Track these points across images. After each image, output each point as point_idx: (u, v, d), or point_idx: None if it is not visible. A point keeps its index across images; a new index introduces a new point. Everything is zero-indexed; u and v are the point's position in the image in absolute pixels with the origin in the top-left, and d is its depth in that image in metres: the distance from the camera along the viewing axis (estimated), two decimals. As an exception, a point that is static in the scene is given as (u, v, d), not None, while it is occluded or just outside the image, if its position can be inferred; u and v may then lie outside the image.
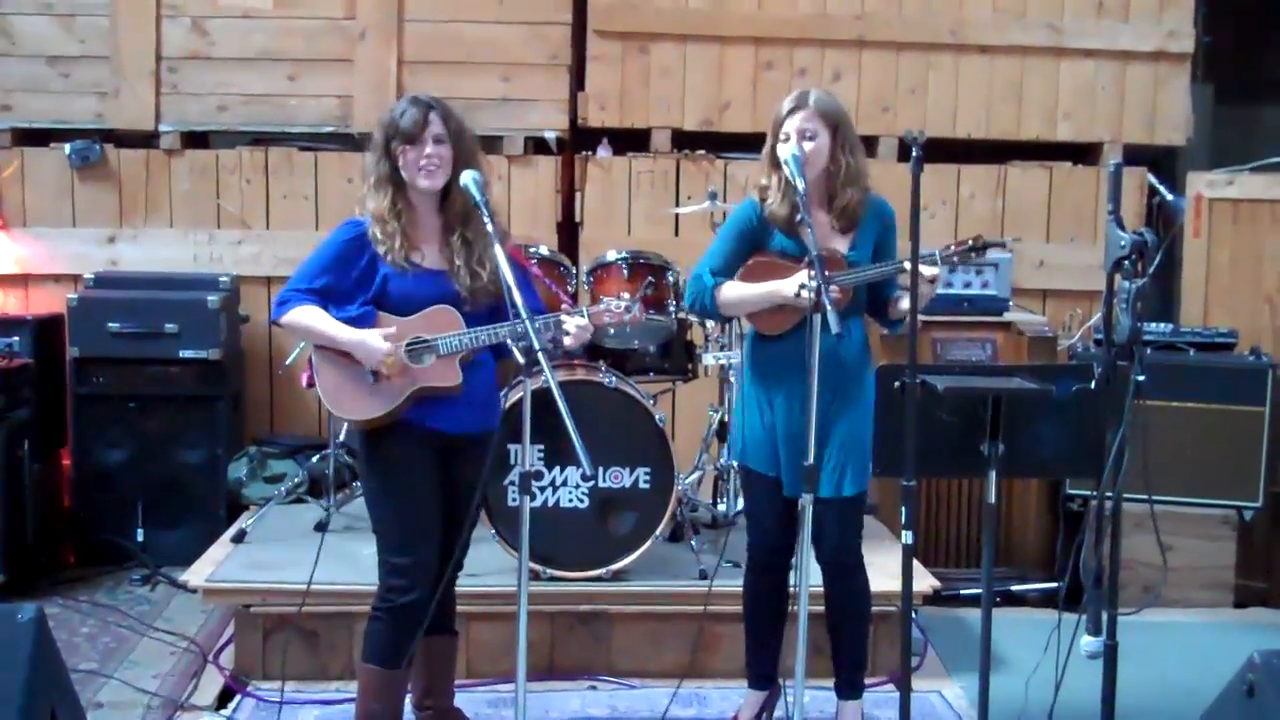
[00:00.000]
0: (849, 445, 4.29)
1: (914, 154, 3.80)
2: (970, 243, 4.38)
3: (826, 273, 4.10)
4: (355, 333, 4.10)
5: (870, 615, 4.68)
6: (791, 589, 4.30)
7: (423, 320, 4.14)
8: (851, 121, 4.43)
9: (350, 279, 4.17)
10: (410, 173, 4.13)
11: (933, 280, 4.27)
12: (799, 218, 4.22)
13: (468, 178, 4.07)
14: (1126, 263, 3.74)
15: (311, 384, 4.24)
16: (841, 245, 4.40)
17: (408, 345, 4.11)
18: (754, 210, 4.47)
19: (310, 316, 4.13)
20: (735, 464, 5.81)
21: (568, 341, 4.12)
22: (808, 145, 4.29)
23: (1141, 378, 3.73)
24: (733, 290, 4.43)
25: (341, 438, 5.93)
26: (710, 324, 5.85)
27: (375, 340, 4.08)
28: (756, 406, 4.48)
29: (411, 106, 4.15)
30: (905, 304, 4.25)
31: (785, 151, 4.25)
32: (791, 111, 4.32)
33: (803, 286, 4.14)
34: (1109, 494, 3.79)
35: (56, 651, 3.56)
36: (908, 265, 4.09)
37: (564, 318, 4.14)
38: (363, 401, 4.14)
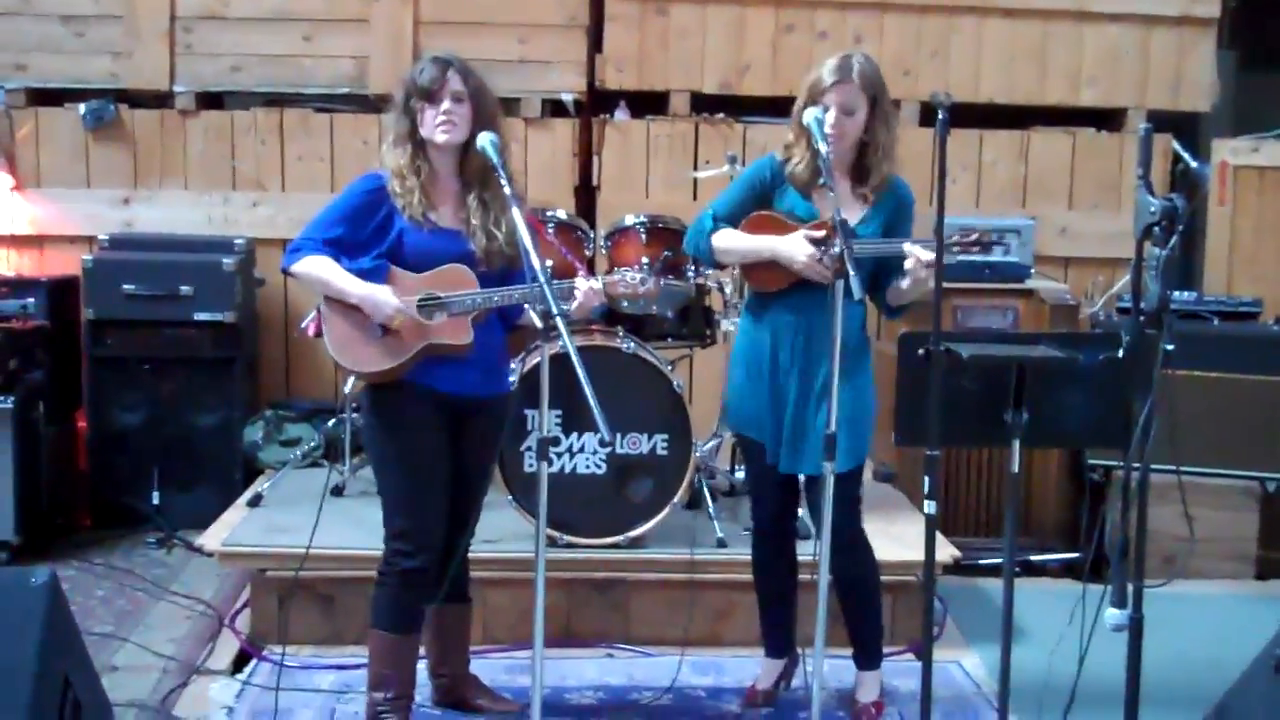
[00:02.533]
0: (843, 421, 4.19)
1: (939, 117, 3.73)
2: (975, 236, 4.28)
3: (831, 239, 4.08)
4: (366, 286, 4.07)
5: (879, 587, 4.62)
6: (810, 558, 4.26)
7: (436, 277, 4.11)
8: (887, 90, 4.35)
9: (365, 232, 4.14)
10: (428, 129, 4.11)
11: (929, 265, 4.11)
12: (822, 181, 4.17)
13: (484, 139, 4.03)
14: (1156, 229, 3.67)
15: (319, 333, 4.21)
16: (854, 217, 4.31)
17: (419, 301, 4.07)
18: (771, 166, 4.42)
19: (321, 267, 4.10)
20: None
21: (574, 306, 4.09)
22: (846, 120, 4.23)
23: (1170, 346, 3.67)
24: (728, 238, 4.39)
25: (349, 389, 5.87)
26: (729, 289, 5.80)
27: (385, 295, 4.06)
28: (745, 369, 4.45)
29: (431, 64, 4.13)
30: (905, 284, 4.20)
31: (808, 116, 4.18)
32: (836, 84, 4.21)
33: (825, 252, 4.10)
34: (1135, 465, 3.74)
35: (70, 616, 3.55)
36: (906, 247, 4.07)
37: (577, 281, 4.12)
38: (371, 354, 4.11)
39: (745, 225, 4.39)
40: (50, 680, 3.30)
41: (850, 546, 4.43)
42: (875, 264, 4.34)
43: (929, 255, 4.05)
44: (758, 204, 4.41)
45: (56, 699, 3.32)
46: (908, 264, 4.12)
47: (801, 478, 4.45)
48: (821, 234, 4.19)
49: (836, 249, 4.00)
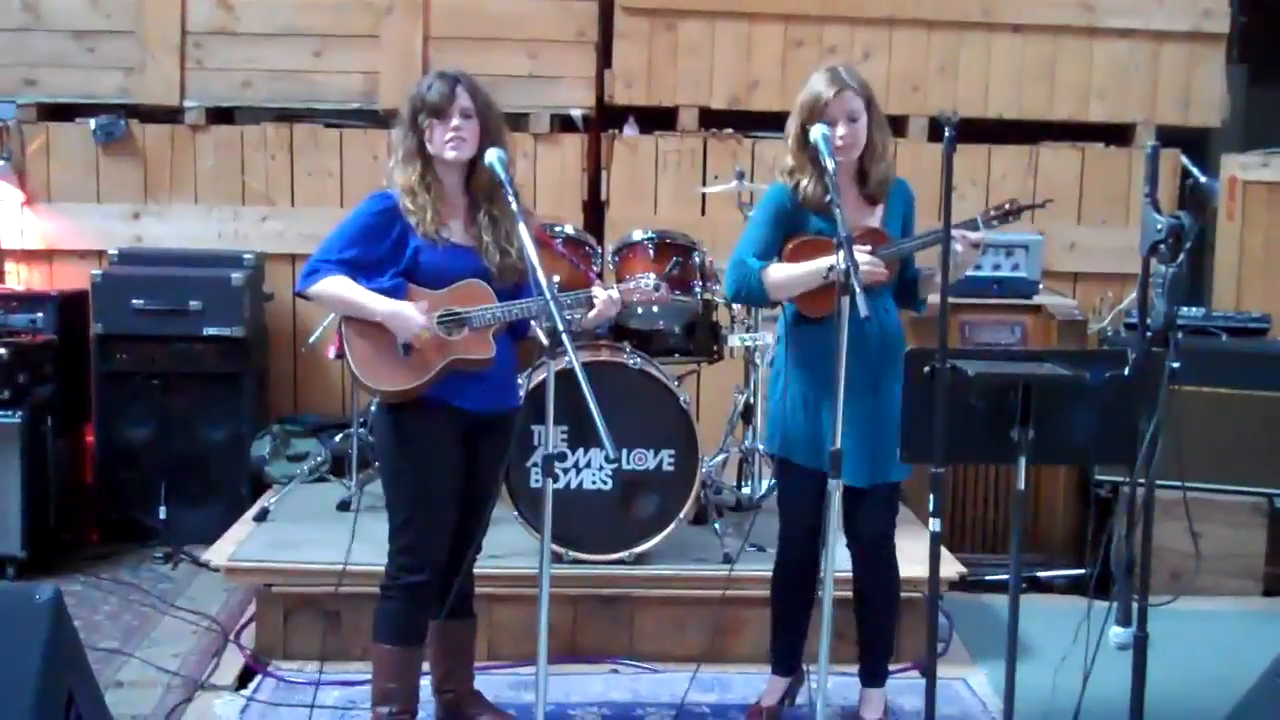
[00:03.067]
0: (896, 431, 4.19)
1: (947, 135, 3.74)
2: (1007, 205, 4.31)
3: (872, 247, 4.15)
4: (391, 303, 4.07)
5: (899, 603, 4.63)
6: (845, 573, 4.26)
7: (453, 294, 4.12)
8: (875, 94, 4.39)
9: (379, 252, 4.14)
10: (437, 146, 4.11)
11: (978, 245, 4.22)
12: (828, 198, 4.16)
13: (492, 155, 4.04)
14: (1163, 247, 3.67)
15: (340, 355, 4.22)
16: (874, 220, 4.36)
17: (439, 318, 4.08)
18: (786, 194, 4.39)
19: (342, 286, 4.10)
20: (762, 448, 5.78)
21: (592, 315, 4.12)
22: (855, 126, 4.24)
23: (1176, 364, 3.66)
24: (780, 271, 4.34)
25: (373, 408, 5.85)
26: (737, 306, 5.79)
27: (411, 311, 4.06)
28: (802, 398, 4.39)
29: (439, 81, 4.13)
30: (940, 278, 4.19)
31: (816, 132, 4.17)
32: (838, 94, 4.21)
33: (831, 269, 4.09)
34: (1141, 482, 3.73)
35: (74, 632, 3.55)
36: (955, 233, 4.06)
37: (595, 290, 4.13)
38: (395, 372, 4.11)
39: (789, 255, 4.35)
40: (53, 696, 3.30)
41: (886, 557, 4.47)
42: (900, 263, 4.38)
43: (976, 235, 4.18)
44: (786, 234, 4.38)
45: (60, 715, 3.32)
46: (957, 246, 4.11)
47: (841, 492, 4.39)
48: (868, 247, 4.20)
49: (887, 250, 4.15)
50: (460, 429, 4.18)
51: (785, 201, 4.38)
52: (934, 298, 4.34)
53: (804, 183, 4.32)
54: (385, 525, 4.26)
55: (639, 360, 5.18)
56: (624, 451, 5.13)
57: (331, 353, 4.30)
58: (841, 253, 3.89)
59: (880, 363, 4.28)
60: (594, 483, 5.18)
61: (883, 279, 4.23)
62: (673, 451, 5.17)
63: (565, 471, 5.14)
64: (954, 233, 4.09)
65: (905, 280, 4.44)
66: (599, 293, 4.13)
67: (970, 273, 4.35)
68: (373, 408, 4.41)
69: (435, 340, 4.08)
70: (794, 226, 4.38)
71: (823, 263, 4.20)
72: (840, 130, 4.20)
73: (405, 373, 4.10)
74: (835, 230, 4.19)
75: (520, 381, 4.55)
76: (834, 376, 4.03)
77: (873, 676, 4.60)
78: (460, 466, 4.21)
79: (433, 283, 4.13)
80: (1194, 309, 6.53)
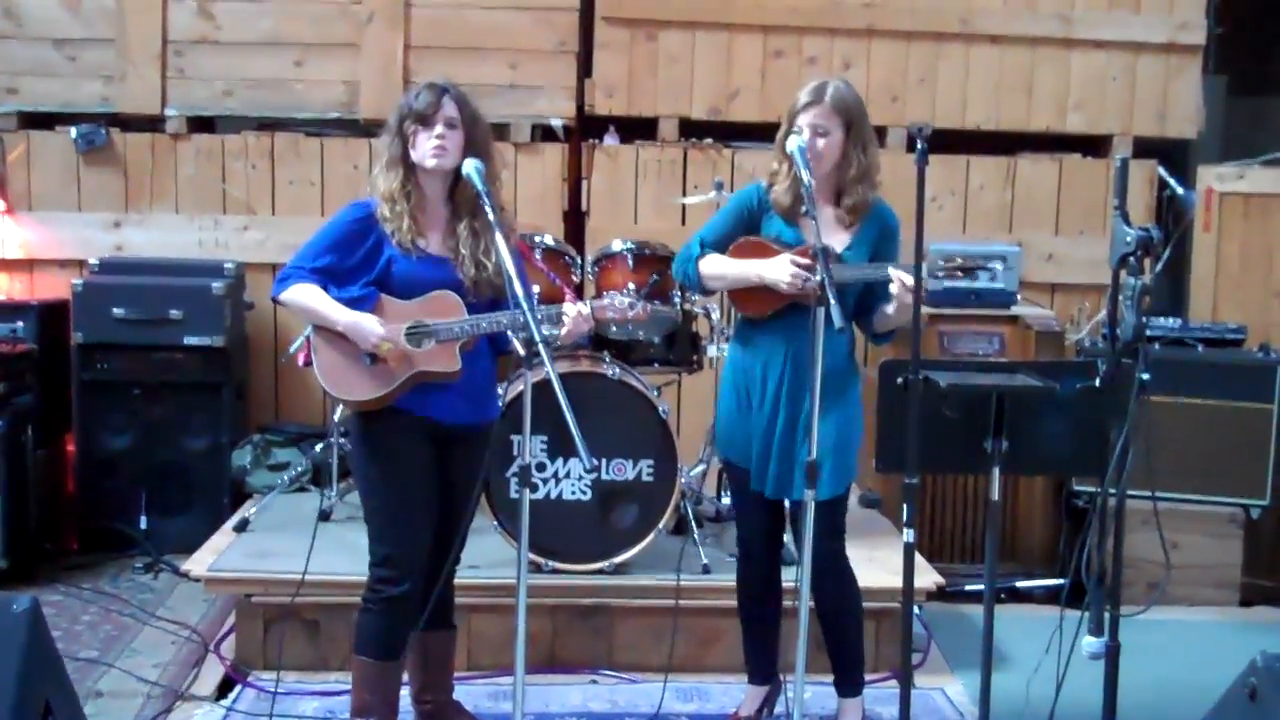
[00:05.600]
0: (829, 448, 4.23)
1: (919, 147, 3.77)
2: (959, 261, 4.30)
3: (810, 263, 4.14)
4: (351, 314, 4.08)
5: (862, 614, 4.62)
6: (791, 584, 4.28)
7: (424, 305, 4.13)
8: (866, 116, 4.38)
9: (353, 260, 4.15)
10: (420, 154, 4.12)
11: (912, 290, 4.11)
12: (804, 209, 4.19)
13: (469, 166, 4.05)
14: (1132, 259, 3.70)
15: (309, 362, 4.22)
16: (839, 242, 4.35)
17: (408, 329, 4.08)
18: (757, 194, 4.46)
19: (308, 295, 4.11)
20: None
21: (563, 331, 4.11)
22: (820, 142, 4.26)
23: (1146, 376, 3.69)
24: (715, 263, 4.43)
25: (337, 417, 5.89)
26: (716, 315, 5.83)
27: (370, 324, 4.06)
28: (734, 395, 4.48)
29: (427, 90, 4.15)
30: (890, 309, 4.22)
31: (792, 144, 4.21)
32: (807, 105, 4.27)
33: (806, 281, 4.12)
34: (1112, 492, 3.76)
35: (51, 642, 3.55)
36: (891, 270, 4.08)
37: (565, 307, 4.13)
38: (360, 382, 4.12)
39: (732, 251, 4.43)
40: (30, 706, 3.30)
41: (833, 573, 4.44)
42: (862, 289, 4.39)
43: (912, 279, 4.09)
44: (745, 231, 4.45)
45: (37, 726, 3.33)
46: (893, 288, 4.14)
47: (787, 504, 4.46)
48: (807, 260, 4.22)
49: (819, 276, 4.03)
50: (432, 439, 4.19)
51: (752, 201, 4.47)
52: (879, 326, 4.40)
53: (778, 187, 4.37)
54: (364, 536, 4.27)
55: (618, 370, 5.20)
56: (603, 462, 5.15)
57: (301, 360, 4.30)
58: (804, 258, 3.94)
59: (805, 381, 4.20)
60: (573, 493, 5.19)
61: (801, 297, 4.21)
62: (652, 462, 5.19)
63: (545, 482, 5.16)
64: (892, 271, 4.13)
65: (867, 311, 4.43)
66: (569, 309, 4.12)
67: (948, 284, 4.36)
68: (345, 416, 4.42)
69: (401, 352, 4.09)
70: (754, 226, 4.44)
71: (754, 265, 4.31)
72: (804, 140, 4.22)
73: (370, 383, 4.11)
74: (794, 239, 4.26)
75: (500, 392, 4.57)
76: (793, 389, 4.07)
77: (845, 686, 4.62)
78: (433, 476, 4.21)
79: (405, 293, 4.13)
80: (1171, 320, 6.57)
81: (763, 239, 4.40)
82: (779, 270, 4.25)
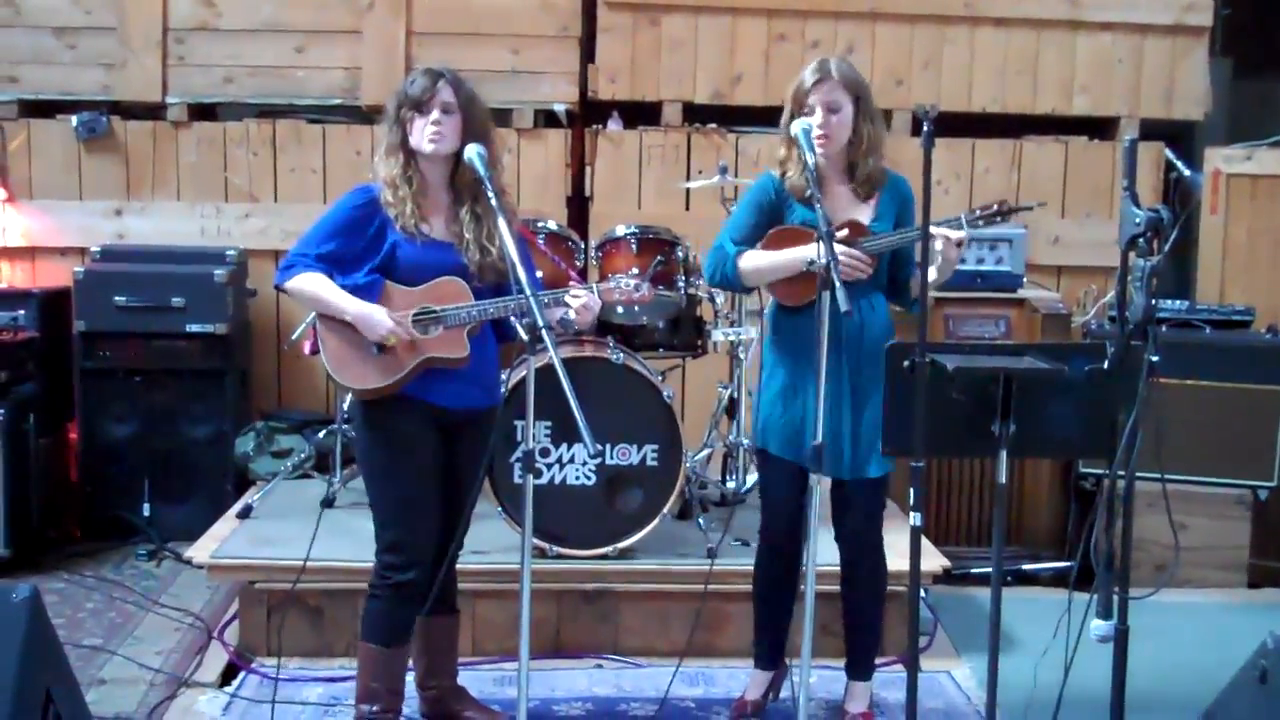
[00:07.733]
0: (877, 426, 4.20)
1: (925, 129, 3.73)
2: (995, 206, 4.29)
3: (853, 239, 4.15)
4: (360, 305, 4.06)
5: (886, 597, 4.64)
6: (832, 567, 4.26)
7: (430, 291, 4.11)
8: (870, 90, 4.36)
9: (358, 246, 4.13)
10: (417, 139, 4.10)
11: (960, 244, 4.18)
12: (807, 192, 4.17)
13: (471, 151, 4.04)
14: (1141, 240, 3.67)
15: (315, 351, 4.21)
16: (864, 215, 4.34)
17: (414, 315, 4.07)
18: (772, 183, 4.41)
19: (315, 284, 4.09)
20: (745, 443, 5.79)
21: (573, 316, 4.09)
22: (834, 118, 4.23)
23: (1155, 358, 3.66)
24: (755, 258, 4.35)
25: (346, 405, 5.87)
26: (720, 299, 5.81)
27: (379, 315, 4.05)
28: (780, 389, 4.41)
29: (422, 75, 4.14)
30: (933, 269, 4.18)
31: (796, 127, 4.18)
32: (817, 84, 4.23)
33: (812, 263, 4.08)
34: (1121, 474, 3.73)
35: (52, 631, 3.54)
36: (932, 230, 4.03)
37: (571, 291, 4.11)
38: (368, 370, 4.10)
39: (766, 243, 4.37)
40: (31, 695, 3.29)
41: (873, 552, 4.48)
42: (890, 260, 4.37)
43: (958, 234, 4.14)
44: (769, 223, 4.39)
45: (37, 714, 3.31)
46: (937, 245, 4.11)
47: (828, 485, 4.39)
48: (845, 233, 4.20)
49: (868, 243, 4.13)
50: (437, 425, 4.18)
51: (770, 190, 4.41)
52: (918, 290, 4.35)
53: (791, 173, 4.33)
54: (366, 521, 4.26)
55: (622, 355, 5.17)
56: (608, 447, 5.13)
57: (306, 349, 4.28)
58: (821, 246, 3.89)
59: (859, 359, 4.28)
60: (578, 478, 5.17)
61: (863, 274, 4.22)
62: (656, 446, 5.17)
63: (549, 467, 5.14)
64: (936, 231, 4.08)
65: (899, 279, 4.42)
66: (577, 293, 4.11)
67: (984, 230, 4.36)
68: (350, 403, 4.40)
69: (408, 341, 4.07)
70: (777, 215, 4.39)
71: (799, 252, 4.22)
72: (817, 119, 4.19)
73: (378, 371, 4.09)
74: (817, 223, 4.21)
75: (504, 377, 4.55)
76: (829, 370, 4.03)
77: (858, 670, 4.60)
78: (439, 462, 4.20)
79: (410, 278, 4.11)
80: (1178, 302, 6.54)
81: (795, 226, 4.35)
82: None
